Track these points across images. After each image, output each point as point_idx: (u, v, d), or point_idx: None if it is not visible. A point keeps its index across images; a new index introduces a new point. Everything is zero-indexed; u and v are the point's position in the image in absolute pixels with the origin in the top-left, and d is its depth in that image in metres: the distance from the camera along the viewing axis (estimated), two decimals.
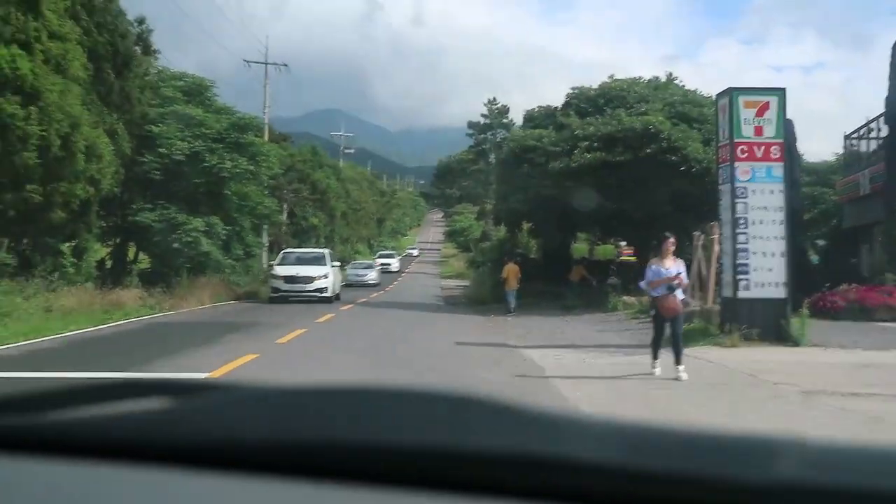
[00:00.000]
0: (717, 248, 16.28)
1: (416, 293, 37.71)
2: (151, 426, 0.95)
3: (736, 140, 14.44)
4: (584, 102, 26.51)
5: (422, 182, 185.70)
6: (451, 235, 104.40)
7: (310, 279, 27.08)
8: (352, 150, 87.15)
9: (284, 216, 44.23)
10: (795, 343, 13.47)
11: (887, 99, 23.59)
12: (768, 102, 14.63)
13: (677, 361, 9.96)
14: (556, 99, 37.16)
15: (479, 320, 21.58)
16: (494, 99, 78.76)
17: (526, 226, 33.78)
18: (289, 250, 31.76)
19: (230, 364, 11.05)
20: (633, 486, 0.80)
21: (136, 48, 26.54)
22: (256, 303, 27.46)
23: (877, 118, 25.71)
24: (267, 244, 38.87)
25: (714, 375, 10.53)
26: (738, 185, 14.34)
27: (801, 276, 17.70)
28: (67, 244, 23.33)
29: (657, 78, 28.96)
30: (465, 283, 39.73)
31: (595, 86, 27.49)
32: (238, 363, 11.24)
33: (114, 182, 23.05)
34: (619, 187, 23.45)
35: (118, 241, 29.05)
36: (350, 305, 26.34)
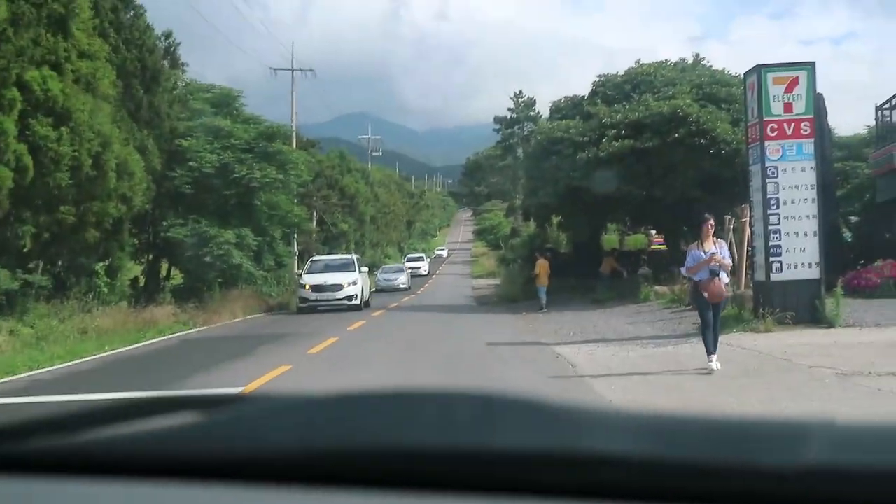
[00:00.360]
0: (747, 230, 16.06)
1: (447, 294, 37.64)
2: (181, 441, 0.97)
3: (765, 118, 14.17)
4: (611, 90, 26.30)
5: (450, 181, 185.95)
6: (480, 234, 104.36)
7: (339, 287, 26.54)
8: (379, 153, 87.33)
9: (314, 223, 44.42)
10: (830, 324, 13.22)
11: None
12: (797, 77, 14.32)
13: (713, 350, 9.75)
14: (584, 88, 36.88)
15: (510, 319, 21.45)
16: (521, 92, 78.39)
17: (555, 219, 33.61)
18: (316, 258, 31.37)
19: (264, 377, 11.07)
20: (660, 477, 0.81)
21: (164, 62, 26.85)
22: (288, 313, 27.45)
23: None
24: (297, 253, 39.02)
25: (749, 362, 10.35)
26: (768, 164, 14.09)
27: (835, 255, 17.37)
28: (101, 264, 23.62)
29: (684, 60, 28.58)
30: (497, 281, 39.67)
31: (621, 72, 27.32)
32: (271, 375, 11.25)
33: (145, 198, 23.26)
34: (647, 174, 23.24)
35: (151, 257, 29.32)
36: (381, 311, 26.24)
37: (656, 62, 27.85)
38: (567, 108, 27.74)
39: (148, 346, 18.07)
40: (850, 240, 27.21)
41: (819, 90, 15.18)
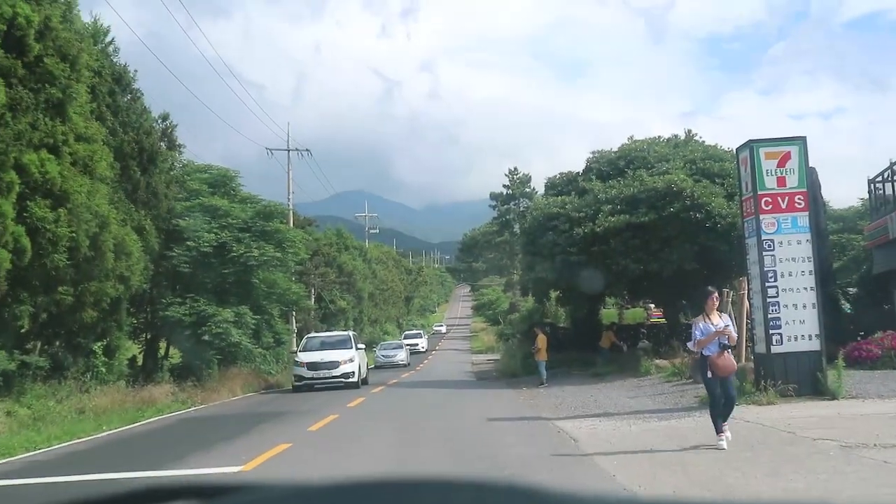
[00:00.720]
0: (746, 303, 16.06)
1: (447, 370, 37.38)
2: None
3: (759, 192, 14.34)
4: (605, 165, 26.65)
5: (447, 257, 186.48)
6: (479, 309, 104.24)
7: (335, 364, 26.07)
8: (376, 230, 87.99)
9: (312, 301, 44.36)
10: (833, 396, 13.14)
11: None
12: (789, 152, 14.55)
13: (721, 428, 9.56)
14: (577, 162, 37.41)
15: (510, 394, 21.27)
16: (516, 168, 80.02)
17: (554, 294, 33.60)
18: (312, 335, 30.94)
19: (263, 455, 10.93)
20: None
21: (161, 144, 27.09)
22: (287, 391, 27.13)
23: None
24: (296, 330, 38.87)
25: (752, 435, 10.24)
26: (764, 237, 14.20)
27: (835, 326, 17.36)
28: (99, 343, 23.46)
29: (676, 136, 29.08)
30: (496, 356, 39.41)
31: (615, 148, 27.73)
32: (271, 454, 11.12)
33: (143, 278, 23.27)
34: (644, 248, 23.35)
35: (149, 337, 29.15)
36: (380, 388, 26.01)
37: (649, 138, 28.32)
38: (562, 184, 28.07)
39: (146, 425, 17.87)
40: (849, 311, 27.19)
41: (811, 164, 15.39)
